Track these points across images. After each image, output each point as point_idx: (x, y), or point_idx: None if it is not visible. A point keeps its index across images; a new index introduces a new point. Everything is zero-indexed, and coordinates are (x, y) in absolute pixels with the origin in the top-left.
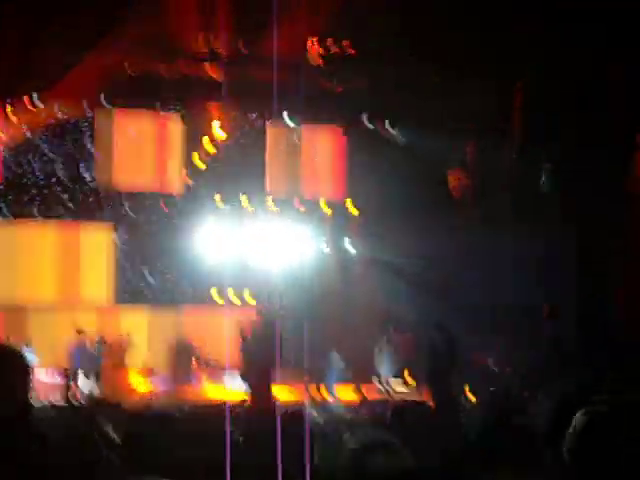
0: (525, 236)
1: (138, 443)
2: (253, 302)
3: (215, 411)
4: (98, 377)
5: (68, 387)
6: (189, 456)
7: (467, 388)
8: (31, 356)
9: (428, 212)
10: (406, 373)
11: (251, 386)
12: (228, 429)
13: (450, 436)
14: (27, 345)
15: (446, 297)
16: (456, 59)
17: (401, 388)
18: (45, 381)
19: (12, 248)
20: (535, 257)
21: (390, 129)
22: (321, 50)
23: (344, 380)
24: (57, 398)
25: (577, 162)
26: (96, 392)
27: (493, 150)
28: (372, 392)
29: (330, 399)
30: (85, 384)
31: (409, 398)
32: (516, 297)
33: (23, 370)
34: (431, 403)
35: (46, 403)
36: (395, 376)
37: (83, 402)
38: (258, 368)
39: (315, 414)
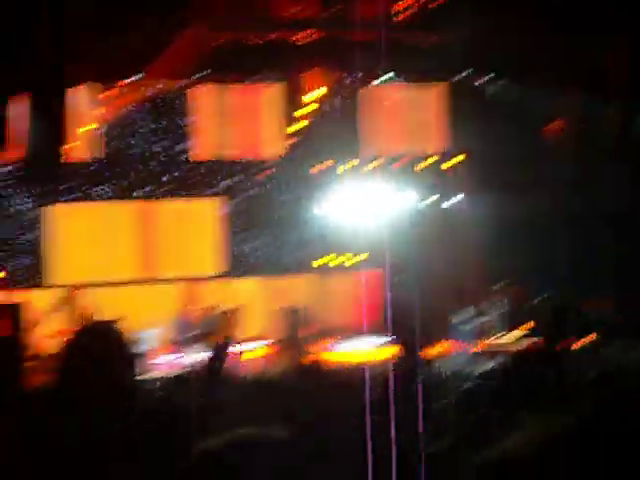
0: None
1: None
2: (363, 265)
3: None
4: (212, 345)
5: (181, 360)
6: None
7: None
8: (151, 333)
9: (534, 166)
10: (520, 327)
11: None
12: (367, 391)
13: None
14: (146, 328)
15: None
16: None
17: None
18: (159, 355)
19: (120, 227)
20: None
21: (493, 82)
22: (414, 8)
23: (463, 336)
24: (170, 371)
25: None
26: (208, 363)
27: (599, 104)
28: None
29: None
30: (197, 356)
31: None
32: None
33: (125, 347)
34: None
35: (159, 376)
36: (510, 330)
37: (196, 374)
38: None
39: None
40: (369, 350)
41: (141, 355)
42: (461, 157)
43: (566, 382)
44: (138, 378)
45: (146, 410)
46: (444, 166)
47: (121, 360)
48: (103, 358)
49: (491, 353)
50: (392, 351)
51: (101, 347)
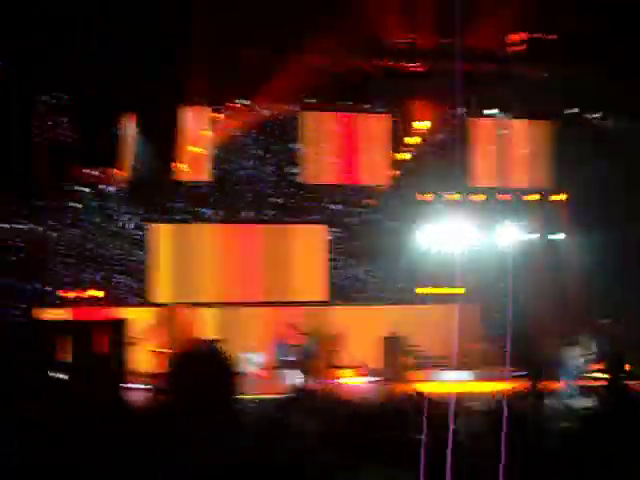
0: None
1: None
2: (466, 297)
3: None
4: (310, 373)
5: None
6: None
7: None
8: (258, 356)
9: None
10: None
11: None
12: (452, 422)
13: None
14: (252, 350)
15: None
16: None
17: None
18: (261, 375)
19: (225, 249)
20: None
21: (600, 119)
22: (526, 42)
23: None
24: (269, 391)
25: None
26: (307, 387)
27: None
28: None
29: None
30: (296, 379)
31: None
32: None
33: (226, 370)
34: None
35: (259, 397)
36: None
37: (294, 396)
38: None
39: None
40: (470, 382)
41: (243, 376)
42: (565, 194)
43: None
44: (243, 398)
45: (250, 430)
46: (548, 201)
47: (224, 381)
48: (207, 380)
49: (595, 388)
50: (498, 385)
51: (205, 369)
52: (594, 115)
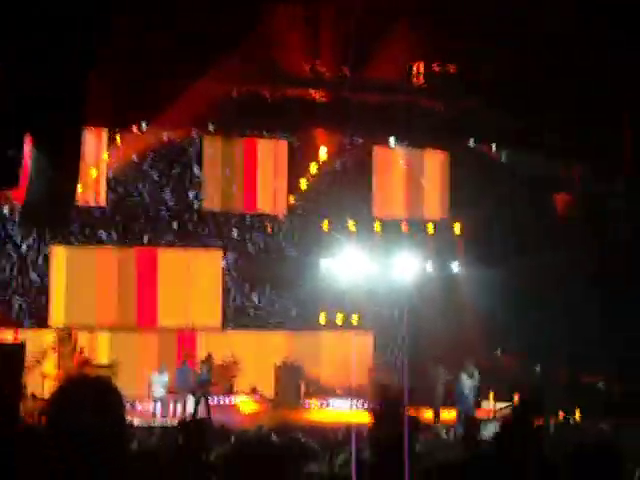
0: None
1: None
2: (360, 325)
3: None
4: (206, 398)
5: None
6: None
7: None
8: (164, 377)
9: (533, 234)
10: (515, 395)
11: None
12: (354, 448)
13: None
14: (161, 370)
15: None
16: (566, 89)
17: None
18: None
19: (121, 273)
20: None
21: (496, 151)
22: (425, 74)
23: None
24: (164, 419)
25: None
26: (202, 413)
27: (601, 177)
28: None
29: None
30: (192, 405)
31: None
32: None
33: (117, 404)
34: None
35: (153, 424)
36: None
37: (189, 423)
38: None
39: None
40: (357, 411)
41: (129, 406)
42: (460, 224)
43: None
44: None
45: (139, 456)
46: (445, 232)
47: (111, 416)
48: (92, 412)
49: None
50: (379, 414)
51: (91, 402)
52: (491, 147)
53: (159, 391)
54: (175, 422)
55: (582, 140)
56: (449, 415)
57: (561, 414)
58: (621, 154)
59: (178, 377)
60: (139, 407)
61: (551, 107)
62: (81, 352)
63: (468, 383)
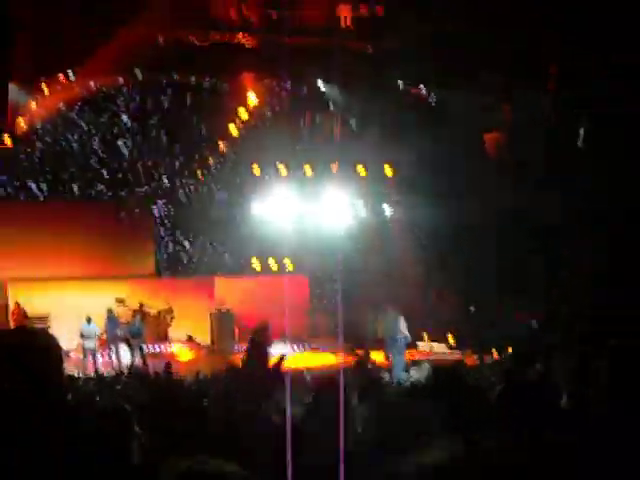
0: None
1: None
2: (294, 270)
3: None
4: (141, 348)
5: (110, 358)
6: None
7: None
8: (93, 328)
9: (464, 175)
10: (449, 335)
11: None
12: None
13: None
14: (88, 320)
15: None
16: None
17: (443, 349)
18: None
19: (54, 225)
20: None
21: (424, 90)
22: (352, 14)
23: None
24: (99, 369)
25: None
26: (138, 362)
27: (529, 109)
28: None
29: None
30: (125, 354)
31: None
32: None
33: (52, 353)
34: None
35: (86, 375)
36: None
37: (124, 372)
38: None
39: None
40: (302, 355)
41: (65, 357)
42: (391, 165)
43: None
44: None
45: (78, 409)
46: (376, 173)
47: (48, 367)
48: (29, 365)
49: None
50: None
51: (27, 354)
52: (419, 87)
53: (90, 342)
54: (111, 372)
55: (510, 75)
56: (378, 357)
57: (495, 354)
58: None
59: (108, 327)
60: (73, 357)
61: (477, 44)
62: (16, 304)
63: (395, 324)
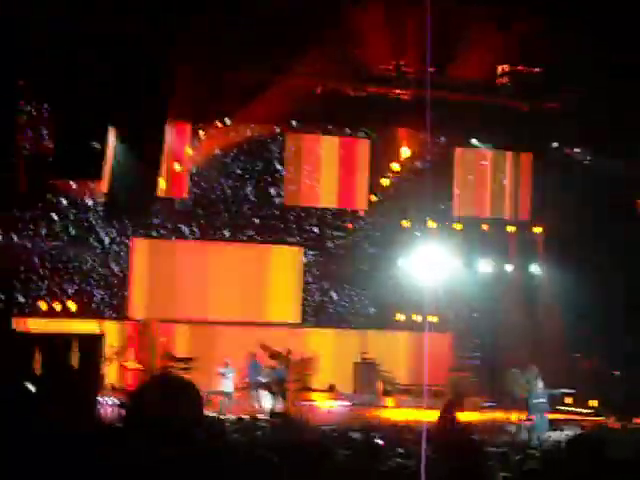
0: None
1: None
2: (439, 325)
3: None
4: (282, 393)
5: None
6: None
7: None
8: (230, 372)
9: (617, 238)
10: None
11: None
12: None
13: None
14: (226, 365)
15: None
16: None
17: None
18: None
19: (202, 267)
20: None
21: (581, 154)
22: (512, 75)
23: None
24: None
25: None
26: (278, 407)
27: None
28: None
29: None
30: (267, 399)
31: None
32: None
33: (195, 401)
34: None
35: (230, 417)
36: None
37: (265, 416)
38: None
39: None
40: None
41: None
42: (541, 225)
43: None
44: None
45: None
46: (526, 233)
47: (189, 416)
48: (171, 413)
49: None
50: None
51: (170, 403)
52: (575, 149)
53: (228, 385)
54: (248, 417)
55: None
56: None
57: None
58: None
59: (250, 372)
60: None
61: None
62: (162, 345)
63: (539, 386)
